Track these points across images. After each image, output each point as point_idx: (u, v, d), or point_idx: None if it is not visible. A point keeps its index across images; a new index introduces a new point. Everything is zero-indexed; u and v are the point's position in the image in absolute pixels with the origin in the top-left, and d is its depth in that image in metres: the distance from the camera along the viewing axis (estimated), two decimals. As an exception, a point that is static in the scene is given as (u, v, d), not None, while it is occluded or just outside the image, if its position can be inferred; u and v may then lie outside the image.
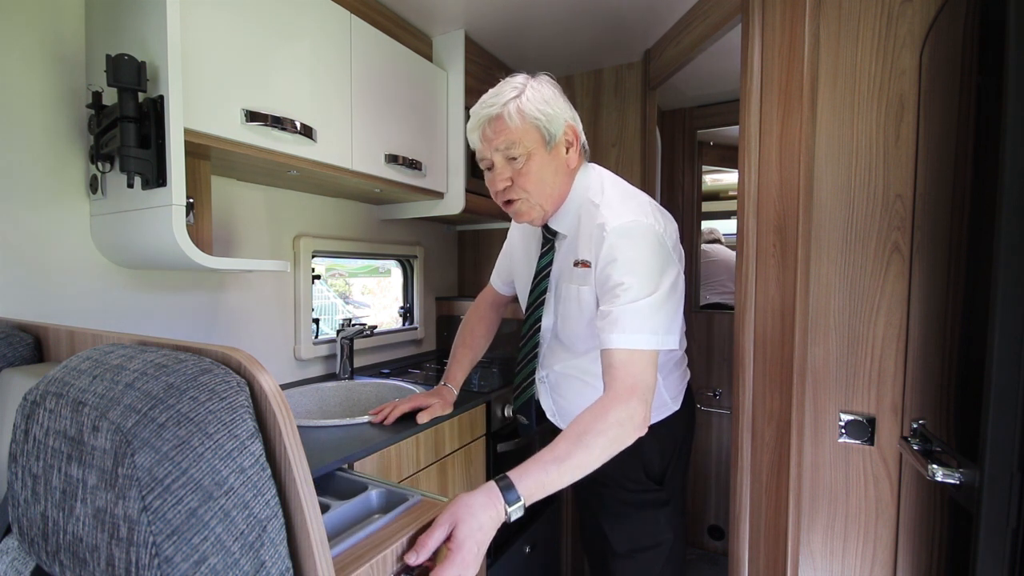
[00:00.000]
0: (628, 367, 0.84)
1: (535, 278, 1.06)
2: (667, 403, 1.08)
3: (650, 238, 0.88)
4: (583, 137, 1.00)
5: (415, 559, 0.64)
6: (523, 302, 1.13)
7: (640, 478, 1.07)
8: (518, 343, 1.11)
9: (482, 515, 0.68)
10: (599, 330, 0.88)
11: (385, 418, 1.13)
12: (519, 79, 0.96)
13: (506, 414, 1.48)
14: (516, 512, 0.71)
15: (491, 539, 0.70)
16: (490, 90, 0.96)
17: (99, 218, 1.07)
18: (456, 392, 1.25)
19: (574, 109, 0.99)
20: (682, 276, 0.95)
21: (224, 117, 1.01)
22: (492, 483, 0.72)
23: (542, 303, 1.05)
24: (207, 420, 0.46)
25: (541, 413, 1.16)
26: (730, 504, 1.26)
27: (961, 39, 0.78)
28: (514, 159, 0.92)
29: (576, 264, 0.96)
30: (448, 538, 0.66)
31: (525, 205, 0.96)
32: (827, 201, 1.04)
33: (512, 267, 1.22)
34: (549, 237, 1.05)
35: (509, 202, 0.98)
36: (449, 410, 1.21)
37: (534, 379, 1.10)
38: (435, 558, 0.65)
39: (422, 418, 1.14)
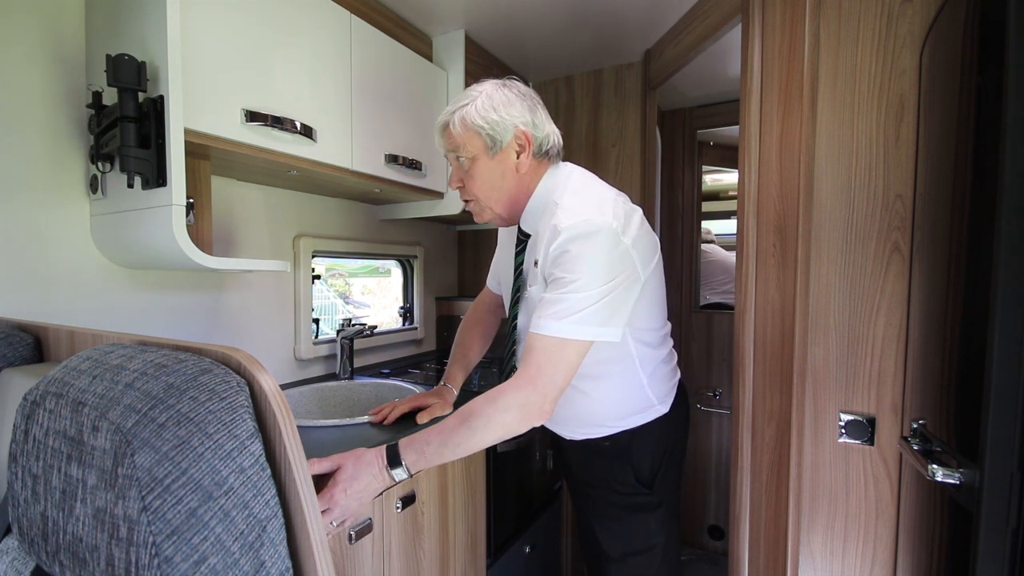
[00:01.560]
0: (539, 354, 0.85)
1: (512, 275, 1.10)
2: (653, 405, 1.06)
3: (600, 237, 0.86)
4: (551, 140, 1.00)
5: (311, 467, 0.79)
6: (506, 301, 1.15)
7: (629, 481, 1.07)
8: (506, 344, 1.13)
9: (363, 469, 0.80)
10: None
11: (385, 418, 1.13)
12: (481, 86, 1.00)
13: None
14: (399, 475, 0.81)
15: (372, 491, 0.81)
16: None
17: (99, 218, 1.07)
18: (456, 392, 1.26)
19: (537, 112, 0.99)
20: (638, 273, 0.92)
21: (224, 117, 1.01)
22: (385, 446, 0.83)
23: (519, 300, 1.07)
24: (207, 420, 0.46)
25: None
26: (730, 504, 1.26)
27: (961, 39, 0.78)
28: (463, 160, 1.00)
29: (535, 264, 0.97)
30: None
31: (476, 206, 1.04)
32: (827, 201, 1.04)
33: (499, 267, 1.24)
34: (523, 238, 1.07)
35: (467, 202, 1.05)
36: (449, 410, 1.21)
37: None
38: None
39: (422, 418, 1.14)
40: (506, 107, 0.96)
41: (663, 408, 1.08)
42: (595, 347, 0.91)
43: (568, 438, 1.13)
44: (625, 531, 1.09)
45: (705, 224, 2.66)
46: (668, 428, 1.09)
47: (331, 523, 0.78)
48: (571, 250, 0.87)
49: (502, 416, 0.82)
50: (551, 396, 0.85)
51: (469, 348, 1.29)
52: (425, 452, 0.82)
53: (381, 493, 0.83)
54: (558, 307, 0.85)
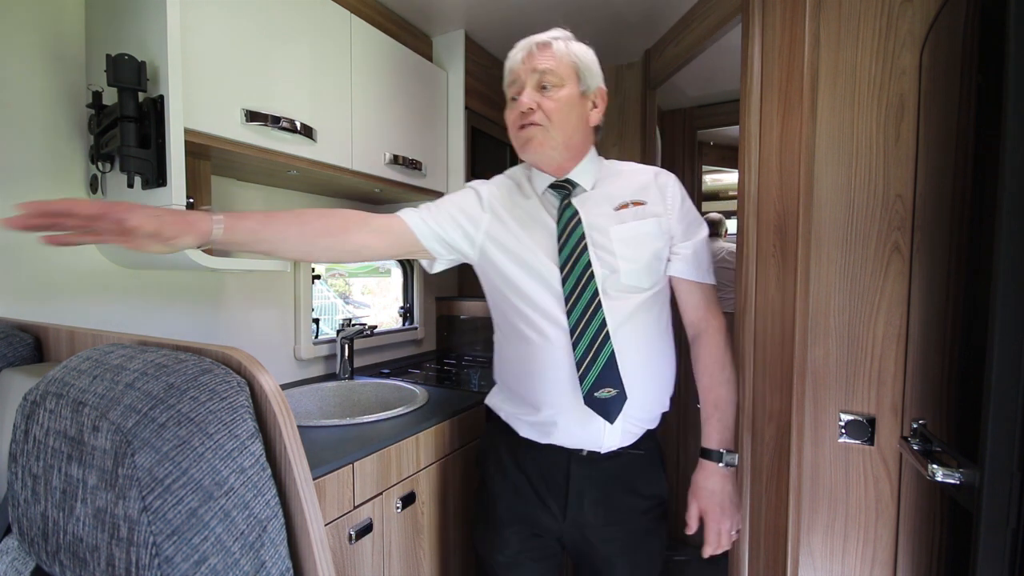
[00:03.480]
0: (715, 299, 1.04)
1: (566, 228, 0.94)
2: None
3: None
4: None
5: (689, 529, 0.99)
6: (544, 262, 0.94)
7: (659, 491, 0.99)
8: (570, 308, 0.91)
9: (713, 482, 0.97)
10: (681, 260, 0.98)
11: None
12: (567, 33, 1.01)
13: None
14: (729, 459, 0.98)
15: (729, 489, 0.99)
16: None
17: (99, 218, 1.06)
18: (219, 231, 0.74)
19: None
20: None
21: (224, 117, 1.01)
22: (700, 460, 0.99)
23: (585, 248, 0.93)
24: (207, 420, 0.46)
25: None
26: (730, 504, 1.26)
27: (961, 39, 0.78)
28: (544, 88, 0.94)
29: (620, 207, 0.97)
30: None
31: (542, 133, 0.94)
32: (827, 201, 1.04)
33: (507, 240, 0.98)
34: (566, 191, 0.98)
35: (523, 127, 0.94)
36: (176, 238, 0.70)
37: (608, 331, 0.90)
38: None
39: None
40: (595, 62, 0.99)
41: None
42: (662, 304, 1.00)
43: (606, 449, 0.93)
44: (653, 560, 0.99)
45: (716, 215, 2.61)
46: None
47: (732, 534, 1.00)
48: (688, 199, 1.01)
49: (730, 354, 1.04)
50: None
51: (302, 223, 0.86)
52: (726, 428, 1.00)
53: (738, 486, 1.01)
54: (707, 258, 1.02)
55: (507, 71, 0.99)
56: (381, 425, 1.12)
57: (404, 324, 2.05)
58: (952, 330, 0.81)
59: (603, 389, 0.89)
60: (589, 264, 0.93)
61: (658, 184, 0.99)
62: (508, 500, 0.99)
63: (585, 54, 0.97)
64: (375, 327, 1.62)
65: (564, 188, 0.99)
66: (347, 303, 2.36)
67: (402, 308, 2.07)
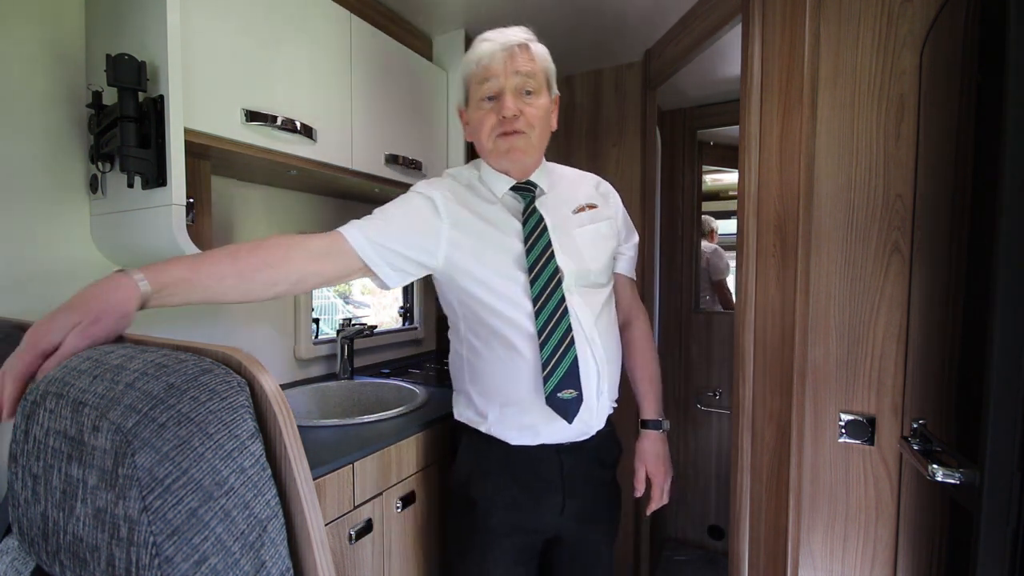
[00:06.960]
0: (637, 291, 1.19)
1: (533, 232, 0.94)
2: None
3: None
4: None
5: (638, 492, 1.10)
6: (514, 268, 0.94)
7: (617, 457, 1.09)
8: (537, 311, 0.91)
9: (654, 448, 1.09)
10: (625, 259, 1.13)
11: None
12: (527, 33, 1.01)
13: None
14: (665, 425, 1.11)
15: (667, 448, 1.11)
16: (494, 30, 0.99)
17: (99, 218, 1.07)
18: (144, 284, 0.65)
19: None
20: None
21: (224, 117, 1.01)
22: (643, 431, 1.10)
23: (552, 253, 0.94)
24: (207, 420, 0.46)
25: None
26: (730, 504, 1.26)
27: (961, 39, 0.78)
28: (529, 93, 0.94)
29: (578, 211, 1.03)
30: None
31: (524, 141, 0.94)
32: (827, 201, 1.04)
33: (474, 246, 0.95)
34: (529, 193, 0.98)
35: (507, 135, 0.93)
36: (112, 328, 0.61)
37: (572, 335, 0.92)
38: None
39: (48, 366, 0.56)
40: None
41: None
42: (613, 297, 1.07)
43: (584, 436, 0.98)
44: (615, 531, 1.10)
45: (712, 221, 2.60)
46: None
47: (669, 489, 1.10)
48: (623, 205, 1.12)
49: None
50: None
51: (238, 263, 0.76)
52: (659, 400, 1.12)
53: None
54: (636, 258, 1.16)
55: (479, 67, 0.93)
56: (381, 425, 1.12)
57: (404, 324, 2.05)
58: (952, 330, 0.81)
59: (566, 390, 0.91)
60: (558, 269, 0.93)
61: (601, 191, 1.09)
62: (502, 512, 0.96)
63: (550, 59, 1.00)
64: (375, 327, 1.62)
65: (528, 191, 1.00)
66: (347, 303, 2.36)
67: (402, 308, 2.07)
